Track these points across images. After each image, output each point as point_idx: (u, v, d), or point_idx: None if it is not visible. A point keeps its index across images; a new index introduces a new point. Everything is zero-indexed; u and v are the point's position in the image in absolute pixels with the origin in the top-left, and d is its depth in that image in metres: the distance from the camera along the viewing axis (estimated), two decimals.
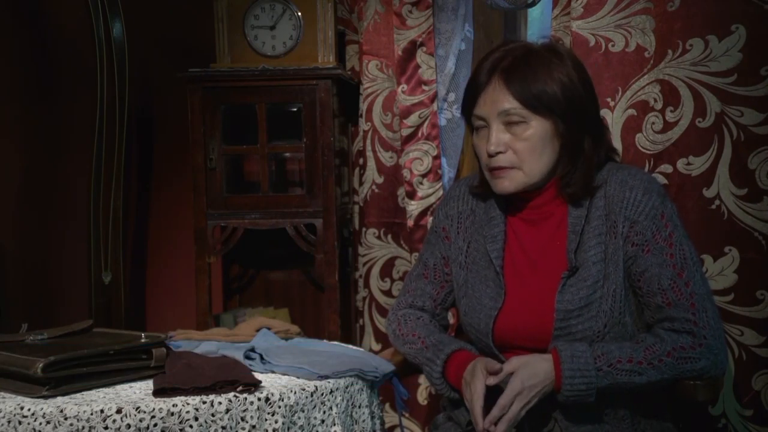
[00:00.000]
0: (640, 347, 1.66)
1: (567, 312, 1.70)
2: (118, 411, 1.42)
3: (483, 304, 1.80)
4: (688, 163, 2.24)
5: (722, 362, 1.69)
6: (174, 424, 1.43)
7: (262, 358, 1.71)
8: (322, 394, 1.59)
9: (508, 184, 1.76)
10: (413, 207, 2.67)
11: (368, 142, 2.75)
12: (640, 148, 2.29)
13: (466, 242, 1.88)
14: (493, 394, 1.67)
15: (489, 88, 1.74)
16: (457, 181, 2.02)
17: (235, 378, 1.52)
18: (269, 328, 1.92)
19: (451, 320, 2.32)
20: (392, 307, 2.00)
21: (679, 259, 1.70)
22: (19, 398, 1.49)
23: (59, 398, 1.48)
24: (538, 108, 1.71)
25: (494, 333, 1.78)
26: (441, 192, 2.66)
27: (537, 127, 1.72)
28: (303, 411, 1.55)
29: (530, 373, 1.65)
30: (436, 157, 2.67)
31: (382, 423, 1.81)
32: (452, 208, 1.93)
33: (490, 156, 1.75)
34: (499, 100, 1.73)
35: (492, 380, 1.66)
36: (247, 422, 1.49)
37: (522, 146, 1.73)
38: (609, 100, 2.30)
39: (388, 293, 2.77)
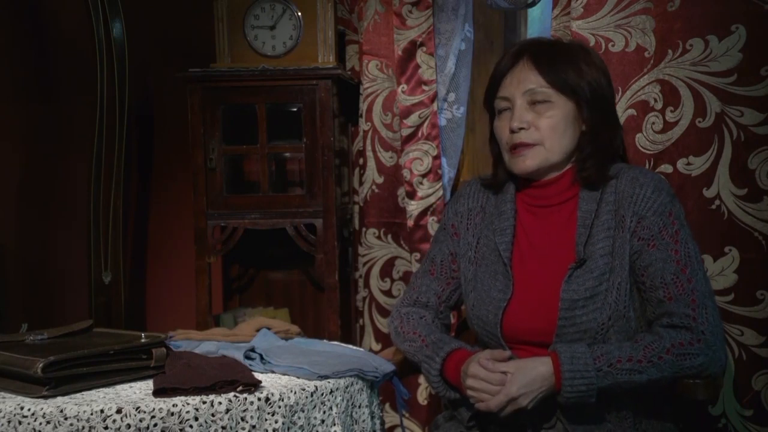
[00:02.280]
0: (639, 346, 1.67)
1: (572, 302, 1.71)
2: (118, 411, 1.42)
3: (492, 297, 1.81)
4: (688, 163, 2.24)
5: (721, 359, 1.70)
6: (174, 424, 1.43)
7: (262, 358, 1.71)
8: (322, 394, 1.59)
9: (530, 162, 1.79)
10: (413, 207, 2.67)
11: (368, 142, 2.75)
12: (640, 148, 2.29)
13: (475, 238, 1.90)
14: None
15: (516, 68, 1.79)
16: (468, 180, 2.04)
17: (235, 378, 1.52)
18: (269, 328, 1.93)
19: (452, 320, 2.32)
20: (396, 304, 2.00)
21: (684, 256, 1.71)
22: (19, 398, 1.49)
23: (59, 398, 1.48)
24: (564, 88, 1.76)
25: (503, 325, 1.78)
26: (441, 192, 2.66)
27: (561, 107, 1.77)
28: (303, 411, 1.56)
29: (528, 379, 1.66)
30: (436, 157, 2.66)
31: (382, 423, 1.81)
32: (462, 205, 1.94)
33: (513, 132, 1.77)
34: (526, 78, 1.77)
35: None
36: (247, 422, 1.49)
37: (545, 123, 1.77)
38: None
39: (388, 293, 2.77)
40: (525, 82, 1.77)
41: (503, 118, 1.82)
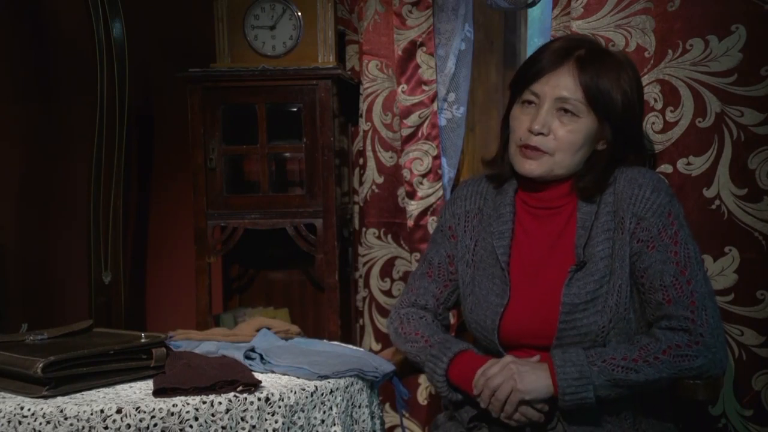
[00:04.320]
0: (635, 347, 1.67)
1: (573, 306, 1.71)
2: (118, 411, 1.42)
3: (489, 301, 1.80)
4: (688, 163, 2.24)
5: (721, 361, 1.69)
6: (174, 424, 1.43)
7: (262, 358, 1.71)
8: (322, 394, 1.59)
9: (536, 167, 1.77)
10: (413, 207, 2.67)
11: (368, 142, 2.75)
12: None
13: (473, 240, 1.89)
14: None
15: (559, 70, 1.75)
16: (464, 181, 2.03)
17: (235, 378, 1.52)
18: (269, 328, 1.92)
19: (452, 320, 2.32)
20: (394, 306, 2.00)
21: (683, 257, 1.70)
22: (19, 398, 1.49)
23: (59, 398, 1.48)
24: (597, 106, 1.73)
25: (500, 330, 1.78)
26: (441, 192, 2.66)
27: (586, 124, 1.74)
28: (303, 411, 1.56)
29: (530, 377, 1.67)
30: (436, 157, 2.66)
31: (382, 423, 1.81)
32: (459, 207, 1.93)
33: (531, 132, 1.75)
34: (565, 84, 1.74)
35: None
36: (247, 422, 1.49)
37: (565, 136, 1.75)
38: None
39: (388, 293, 2.77)
40: (561, 87, 1.73)
41: (526, 111, 1.78)
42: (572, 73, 1.74)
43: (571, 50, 1.76)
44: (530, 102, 1.78)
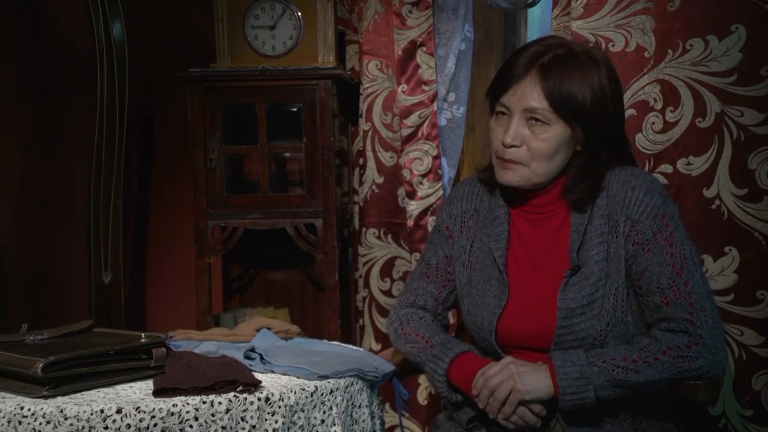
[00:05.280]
0: (635, 348, 1.67)
1: (569, 310, 1.70)
2: (118, 411, 1.42)
3: (486, 303, 1.80)
4: (688, 163, 2.24)
5: (721, 361, 1.69)
6: (174, 424, 1.43)
7: (262, 358, 1.71)
8: (322, 394, 1.59)
9: (512, 176, 1.77)
10: (413, 207, 2.67)
11: (368, 142, 2.75)
12: (640, 148, 2.29)
13: (469, 241, 1.89)
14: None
15: (523, 81, 1.74)
16: (461, 181, 2.03)
17: (235, 378, 1.52)
18: (269, 328, 1.92)
19: (452, 320, 2.33)
20: (393, 306, 2.00)
21: (679, 258, 1.70)
22: (19, 398, 1.49)
23: (59, 398, 1.48)
24: (565, 112, 1.72)
25: (497, 331, 1.78)
26: (441, 192, 2.66)
27: (557, 130, 1.73)
28: (303, 411, 1.56)
29: (530, 377, 1.67)
30: (436, 157, 2.67)
31: (382, 423, 1.81)
32: (456, 207, 1.93)
33: (504, 146, 1.75)
34: (530, 96, 1.73)
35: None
36: (247, 422, 1.49)
37: (537, 145, 1.74)
38: None
39: (388, 293, 2.77)
40: (528, 98, 1.73)
41: (500, 121, 1.79)
42: (536, 82, 1.73)
43: (537, 58, 1.75)
44: (503, 113, 1.78)
